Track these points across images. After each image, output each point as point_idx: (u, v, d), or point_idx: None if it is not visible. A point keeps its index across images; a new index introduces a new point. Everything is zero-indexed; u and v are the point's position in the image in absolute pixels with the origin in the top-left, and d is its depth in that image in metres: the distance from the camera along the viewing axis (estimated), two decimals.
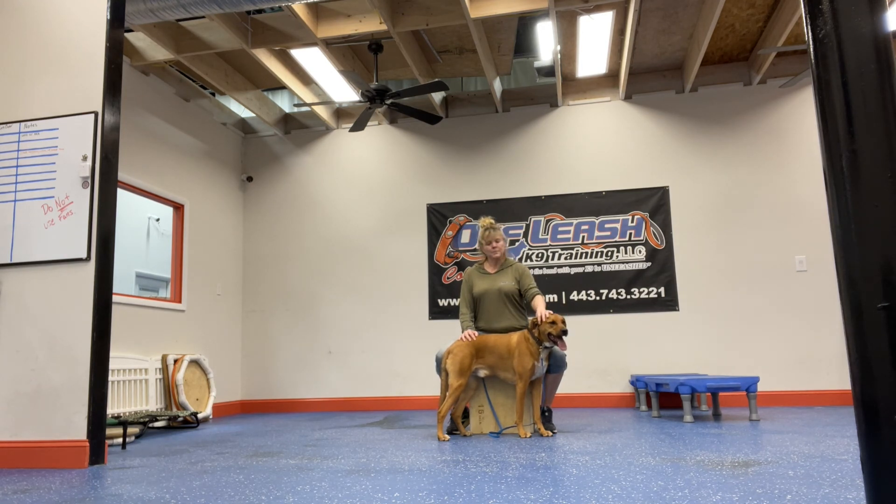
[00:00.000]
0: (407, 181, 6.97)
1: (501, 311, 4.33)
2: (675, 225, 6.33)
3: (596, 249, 6.42)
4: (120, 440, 4.32)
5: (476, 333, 4.14)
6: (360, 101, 5.93)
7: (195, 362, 5.92)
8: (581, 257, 6.44)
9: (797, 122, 6.27)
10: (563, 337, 3.93)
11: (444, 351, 4.10)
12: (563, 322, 3.92)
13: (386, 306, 6.82)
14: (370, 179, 7.07)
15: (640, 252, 6.34)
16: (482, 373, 4.10)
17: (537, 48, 6.57)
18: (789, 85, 5.65)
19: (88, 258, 3.41)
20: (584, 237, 6.47)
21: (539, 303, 4.24)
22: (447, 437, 3.93)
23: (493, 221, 4.48)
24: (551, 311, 4.00)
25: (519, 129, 6.82)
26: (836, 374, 5.89)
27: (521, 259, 6.53)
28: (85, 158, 3.50)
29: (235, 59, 6.13)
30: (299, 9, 5.03)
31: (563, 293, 6.42)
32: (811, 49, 1.51)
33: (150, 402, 5.31)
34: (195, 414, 5.32)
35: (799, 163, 6.21)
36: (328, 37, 5.32)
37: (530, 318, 4.09)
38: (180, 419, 5.51)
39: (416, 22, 5.15)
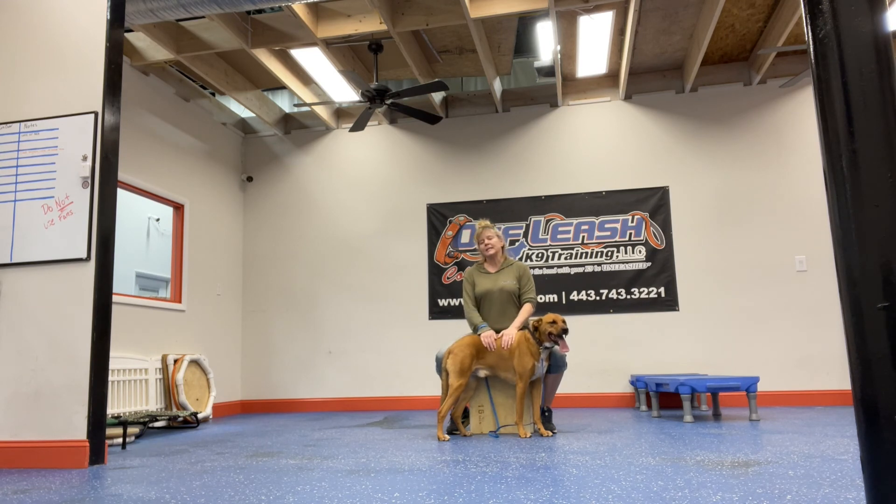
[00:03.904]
0: (407, 181, 6.97)
1: (503, 310, 4.33)
2: (675, 225, 6.33)
3: (596, 249, 6.42)
4: (120, 440, 4.32)
5: (494, 335, 4.11)
6: (360, 101, 5.93)
7: (195, 362, 5.92)
8: (581, 257, 6.44)
9: (797, 122, 6.27)
10: (564, 337, 3.93)
11: (445, 351, 4.10)
12: (564, 322, 3.92)
13: (386, 306, 6.82)
14: (370, 179, 7.07)
15: (640, 252, 6.34)
16: (482, 373, 4.10)
17: (537, 48, 6.57)
18: (789, 85, 5.65)
19: (88, 258, 3.41)
20: (584, 237, 6.47)
21: (521, 313, 4.24)
22: (447, 437, 3.93)
23: (488, 223, 4.47)
24: (555, 315, 3.98)
25: (519, 129, 6.82)
26: (836, 374, 5.89)
27: (521, 259, 6.53)
28: (85, 158, 3.50)
29: (235, 59, 6.12)
30: (299, 9, 5.03)
31: (563, 293, 6.42)
32: (811, 49, 1.51)
33: (150, 402, 5.31)
34: (195, 414, 5.32)
35: (799, 163, 6.21)
36: (328, 37, 5.32)
37: (531, 320, 4.09)
38: (180, 419, 5.50)
39: (416, 22, 5.15)
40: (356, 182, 7.10)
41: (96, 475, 2.94)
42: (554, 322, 3.92)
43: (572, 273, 6.44)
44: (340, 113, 7.28)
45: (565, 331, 3.90)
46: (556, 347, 4.12)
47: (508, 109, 6.88)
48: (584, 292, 6.39)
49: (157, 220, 9.39)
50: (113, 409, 4.89)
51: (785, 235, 6.14)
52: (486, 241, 4.41)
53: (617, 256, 6.37)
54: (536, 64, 6.31)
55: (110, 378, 4.90)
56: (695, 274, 6.23)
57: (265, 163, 7.36)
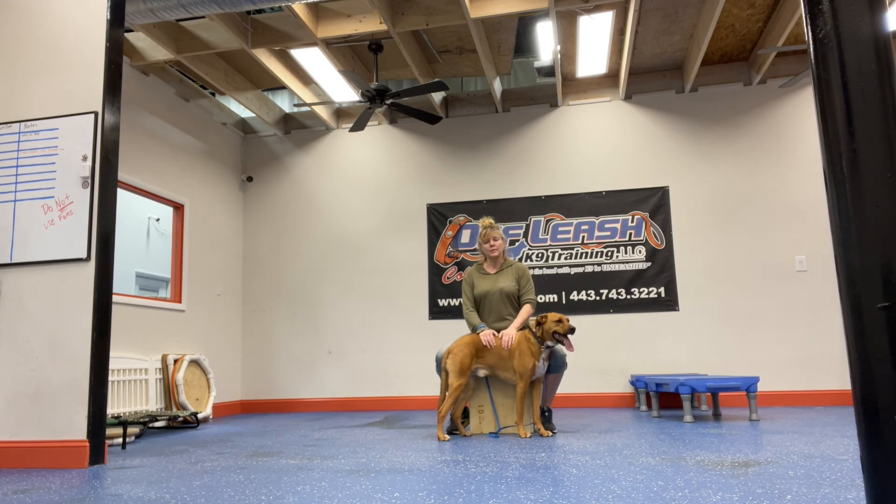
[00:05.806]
0: (407, 181, 6.97)
1: (502, 311, 4.33)
2: (675, 225, 6.33)
3: (596, 249, 6.42)
4: (120, 440, 4.32)
5: (493, 333, 4.11)
6: (360, 101, 5.93)
7: (195, 362, 5.92)
8: (581, 257, 6.44)
9: (797, 122, 6.27)
10: (570, 336, 3.92)
11: (444, 351, 4.10)
12: (569, 321, 3.93)
13: (386, 306, 6.82)
14: (370, 179, 7.07)
15: (640, 252, 6.34)
16: (482, 372, 4.10)
17: (537, 48, 6.57)
18: (789, 85, 5.65)
19: (88, 258, 3.41)
20: (584, 237, 6.47)
21: (521, 314, 4.24)
22: (447, 437, 3.93)
23: (492, 222, 4.47)
24: (559, 314, 3.98)
25: (519, 129, 6.82)
26: (836, 374, 5.89)
27: (521, 259, 6.53)
28: (85, 158, 3.50)
29: (235, 59, 6.12)
30: (299, 9, 5.03)
31: (563, 293, 6.42)
32: (811, 49, 1.51)
33: (150, 402, 5.31)
34: (195, 414, 5.32)
35: (799, 163, 6.21)
36: (328, 37, 5.32)
37: (532, 319, 4.09)
38: (180, 419, 5.50)
39: (416, 22, 5.15)
40: (356, 182, 7.10)
41: (96, 475, 2.94)
42: (560, 321, 3.91)
43: (572, 273, 6.44)
44: (340, 113, 7.28)
45: (572, 330, 3.90)
46: (559, 346, 4.12)
47: (508, 109, 6.87)
48: (584, 292, 6.39)
49: (157, 220, 9.38)
50: (113, 409, 4.89)
51: (785, 235, 6.14)
52: (492, 242, 4.40)
53: (617, 256, 6.37)
54: (536, 64, 6.31)
55: (110, 378, 4.90)
56: (695, 274, 6.23)
57: (265, 163, 7.36)
